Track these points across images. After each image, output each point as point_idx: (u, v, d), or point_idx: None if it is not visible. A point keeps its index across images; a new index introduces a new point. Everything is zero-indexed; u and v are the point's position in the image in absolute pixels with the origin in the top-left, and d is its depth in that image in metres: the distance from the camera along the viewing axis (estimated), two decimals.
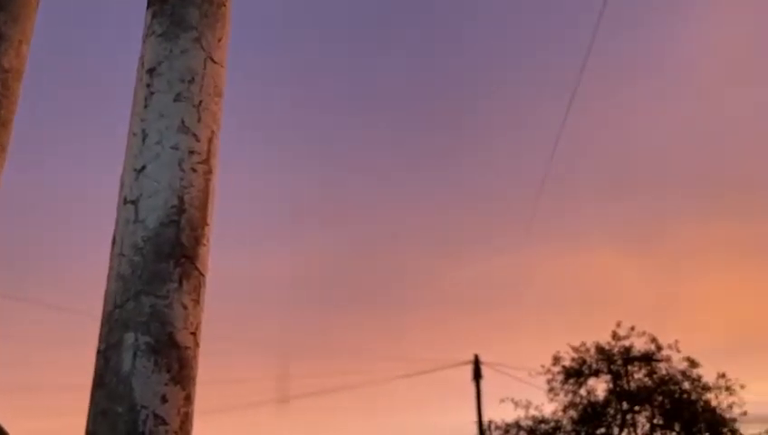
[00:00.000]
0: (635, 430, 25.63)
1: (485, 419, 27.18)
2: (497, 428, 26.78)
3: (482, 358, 28.22)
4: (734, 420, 24.51)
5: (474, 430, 27.39)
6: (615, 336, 25.95)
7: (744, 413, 24.51)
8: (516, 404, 26.27)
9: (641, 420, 25.62)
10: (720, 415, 24.60)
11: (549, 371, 26.41)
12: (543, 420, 26.14)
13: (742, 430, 24.59)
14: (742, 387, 24.67)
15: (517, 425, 26.35)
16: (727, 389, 24.76)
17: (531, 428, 26.19)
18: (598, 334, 26.65)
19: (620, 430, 25.60)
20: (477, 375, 27.80)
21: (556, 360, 26.43)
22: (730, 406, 24.66)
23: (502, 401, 26.45)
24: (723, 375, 24.89)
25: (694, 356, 25.44)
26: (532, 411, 26.25)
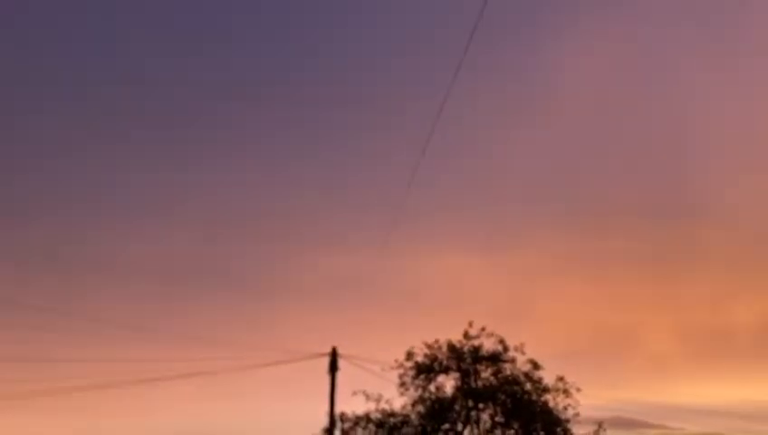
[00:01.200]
0: (478, 427, 26.59)
1: (338, 411, 27.53)
2: (347, 420, 27.13)
3: (340, 351, 28.53)
4: (568, 420, 25.89)
5: (326, 421, 27.64)
6: (466, 336, 26.85)
7: (577, 414, 25.95)
8: (368, 397, 26.74)
9: (485, 417, 26.61)
10: (556, 416, 25.89)
11: (402, 366, 27.03)
12: (392, 414, 26.70)
13: (574, 430, 26.01)
14: (578, 390, 26.13)
15: (367, 418, 26.79)
16: (564, 391, 26.12)
17: (380, 421, 26.67)
18: (451, 333, 27.52)
19: (464, 427, 26.50)
20: (333, 367, 28.06)
21: (409, 355, 27.07)
22: (565, 407, 26.04)
23: (354, 393, 26.86)
24: (561, 378, 26.25)
25: (537, 359, 26.74)
26: (383, 405, 26.81)
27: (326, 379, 27.94)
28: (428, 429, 26.52)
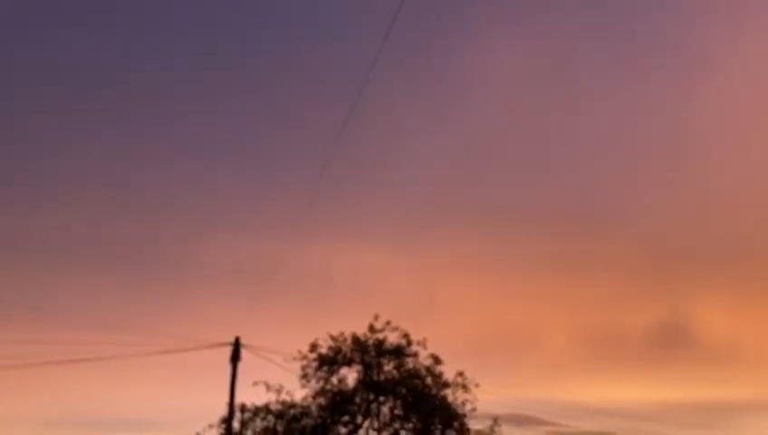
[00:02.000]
0: (378, 420, 26.83)
1: (240, 401, 27.13)
2: (247, 410, 26.79)
3: (243, 341, 28.08)
4: (465, 415, 26.48)
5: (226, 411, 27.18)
6: (371, 329, 26.97)
7: (474, 409, 26.59)
8: (269, 388, 26.49)
9: (384, 410, 26.87)
10: (454, 410, 26.44)
11: (305, 357, 26.91)
12: (292, 405, 26.56)
13: (470, 425, 26.63)
14: (476, 386, 26.73)
15: (266, 408, 26.54)
16: (463, 386, 26.69)
17: (279, 412, 26.49)
18: (358, 326, 27.60)
19: (364, 419, 26.68)
20: (236, 357, 27.57)
21: (313, 347, 26.98)
22: (463, 402, 26.62)
23: (255, 383, 26.54)
24: (461, 374, 26.80)
25: (440, 354, 27.22)
26: (284, 396, 26.63)
27: (228, 368, 27.48)
28: (328, 421, 26.55)
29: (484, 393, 27.33)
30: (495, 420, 26.65)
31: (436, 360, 26.88)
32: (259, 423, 26.58)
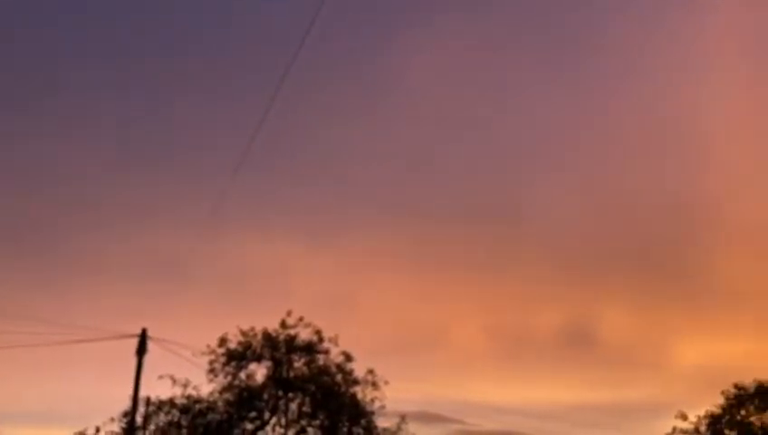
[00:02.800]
0: (286, 417, 26.71)
1: (145, 394, 26.47)
2: (151, 404, 26.18)
3: (151, 333, 27.38)
4: (373, 413, 26.68)
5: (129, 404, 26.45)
6: (283, 324, 26.81)
7: (383, 407, 26.81)
8: (175, 382, 25.95)
9: (293, 407, 26.77)
10: (362, 408, 26.59)
11: (213, 352, 26.48)
12: (198, 400, 26.10)
13: (378, 423, 26.85)
14: (385, 383, 26.94)
15: (171, 403, 25.99)
16: (373, 384, 26.87)
17: (184, 406, 25.99)
18: (270, 322, 27.35)
19: (271, 416, 26.51)
20: (142, 349, 26.86)
21: (222, 341, 26.58)
22: (372, 400, 26.80)
23: (160, 377, 25.94)
24: (371, 371, 26.97)
25: (354, 352, 27.33)
26: (190, 391, 26.13)
27: (134, 361, 26.76)
28: (234, 416, 26.24)
29: (393, 391, 27.63)
30: (403, 417, 26.96)
31: (348, 357, 26.97)
32: (163, 418, 26.02)
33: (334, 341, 26.89)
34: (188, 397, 26.03)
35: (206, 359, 26.40)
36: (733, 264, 43.57)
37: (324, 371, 26.79)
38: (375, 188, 44.25)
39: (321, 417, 26.38)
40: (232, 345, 26.57)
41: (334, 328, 27.46)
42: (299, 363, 26.95)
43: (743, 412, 30.54)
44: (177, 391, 26.06)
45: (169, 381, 25.91)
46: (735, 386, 30.62)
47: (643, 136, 44.40)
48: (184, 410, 25.92)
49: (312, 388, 26.61)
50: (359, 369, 27.04)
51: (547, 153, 45.74)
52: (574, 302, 45.00)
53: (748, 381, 30.54)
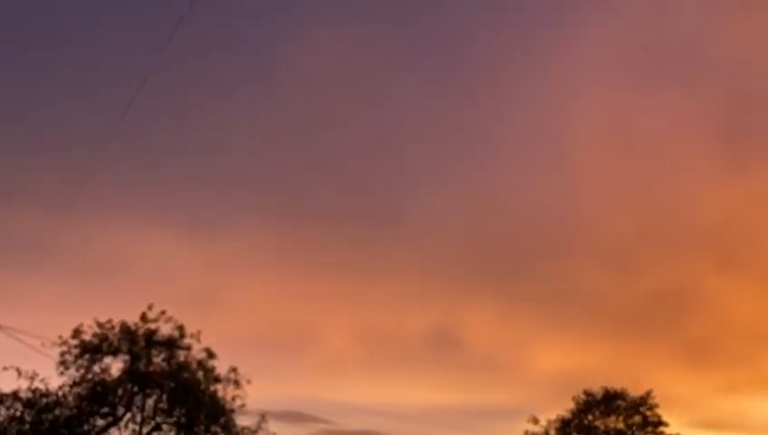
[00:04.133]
0: (142, 413, 25.76)
1: None
2: None
3: None
4: (233, 411, 26.21)
5: None
6: (144, 318, 25.82)
7: (243, 405, 26.39)
8: (20, 374, 24.37)
9: (150, 403, 25.86)
10: (222, 405, 26.05)
11: (66, 343, 25.13)
12: (46, 394, 24.66)
13: (239, 421, 26.40)
14: (248, 382, 26.53)
15: (14, 396, 24.39)
16: (235, 382, 26.39)
17: (30, 400, 24.46)
18: (132, 314, 26.26)
19: (125, 412, 25.49)
20: None
21: (77, 333, 25.27)
22: (234, 398, 26.31)
23: (5, 368, 24.29)
24: (234, 369, 26.47)
25: (222, 349, 26.78)
26: (37, 383, 24.64)
27: None
28: (85, 411, 25.01)
29: (260, 390, 27.30)
30: (263, 416, 26.63)
31: (210, 354, 26.34)
32: (4, 412, 24.34)
33: (197, 337, 26.20)
34: (35, 390, 24.51)
35: (58, 350, 25.03)
36: (594, 277, 46.21)
37: (184, 367, 26.03)
38: (252, 181, 43.68)
39: (178, 414, 25.63)
40: (87, 337, 25.30)
41: (200, 324, 26.76)
42: (158, 359, 26.04)
43: (590, 417, 32.47)
44: (23, 384, 24.48)
45: (14, 373, 24.32)
46: (585, 392, 32.54)
47: (519, 148, 46.23)
48: (28, 404, 24.38)
49: (171, 384, 25.79)
50: (222, 366, 26.51)
51: (425, 159, 46.70)
52: (443, 306, 46.17)
53: (597, 387, 32.57)
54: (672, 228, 45.53)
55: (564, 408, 32.43)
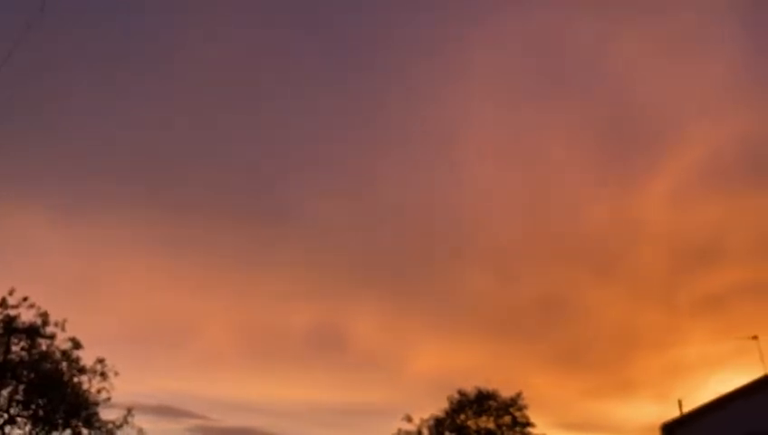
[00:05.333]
0: None
1: None
2: None
3: None
4: (98, 403, 25.05)
5: None
6: (3, 303, 24.27)
7: (109, 399, 25.28)
8: None
9: (4, 394, 24.29)
10: (85, 398, 24.85)
11: None
12: None
13: (105, 415, 25.24)
14: (116, 374, 25.45)
15: None
16: (102, 374, 25.25)
17: None
18: None
19: None
20: None
21: None
22: (99, 391, 25.16)
23: None
24: (101, 361, 25.34)
25: (88, 338, 25.55)
26: None
27: None
28: None
29: (133, 384, 26.33)
30: (129, 410, 25.59)
31: (76, 344, 25.06)
32: None
33: (62, 325, 24.85)
34: None
35: None
36: (476, 281, 47.42)
37: (46, 357, 24.65)
38: (136, 166, 42.03)
39: (35, 406, 24.21)
40: None
41: (71, 313, 25.44)
42: (17, 347, 24.53)
43: (462, 416, 33.29)
44: None
45: None
46: (459, 392, 33.34)
47: (410, 151, 46.80)
48: None
49: (31, 375, 24.35)
50: (90, 358, 25.29)
51: (314, 157, 46.45)
52: (326, 304, 46.03)
53: (471, 388, 33.44)
54: (553, 238, 47.42)
55: (439, 407, 33.14)
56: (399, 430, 32.10)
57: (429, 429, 32.36)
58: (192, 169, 44.35)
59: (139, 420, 26.12)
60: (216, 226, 44.21)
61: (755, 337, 27.14)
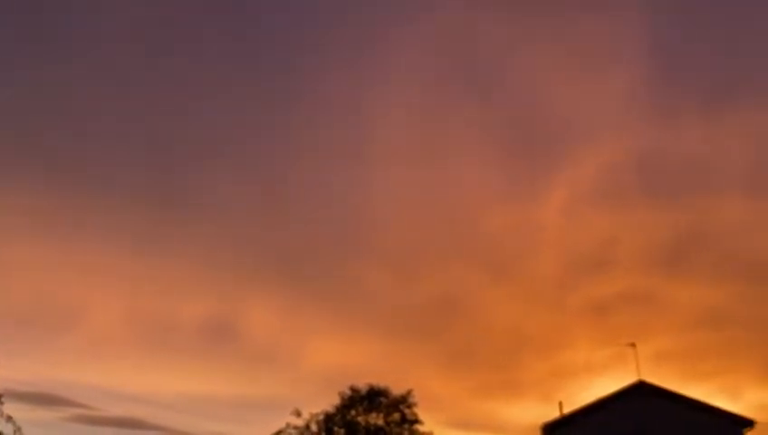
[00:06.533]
0: None
1: None
2: None
3: None
4: None
5: None
6: None
7: None
8: None
9: None
10: None
11: None
12: None
13: None
14: None
15: None
16: None
17: None
18: None
19: None
20: None
21: None
22: None
23: None
24: None
25: None
26: None
27: None
28: None
29: (7, 370, 24.81)
30: None
31: None
32: None
33: None
34: None
35: None
36: (376, 278, 47.62)
37: None
38: (40, 138, 39.72)
39: None
40: None
41: None
42: None
43: (353, 412, 33.35)
44: None
45: None
46: (351, 388, 33.39)
47: (317, 146, 46.40)
48: None
49: None
50: None
51: (229, 146, 45.35)
52: (223, 294, 45.03)
53: (363, 384, 33.56)
54: (453, 239, 48.21)
55: (332, 403, 33.07)
56: (288, 425, 31.82)
57: (318, 424, 32.22)
58: (89, 146, 42.34)
59: (10, 409, 24.59)
60: (107, 206, 42.33)
61: (633, 344, 28.66)
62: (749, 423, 25.68)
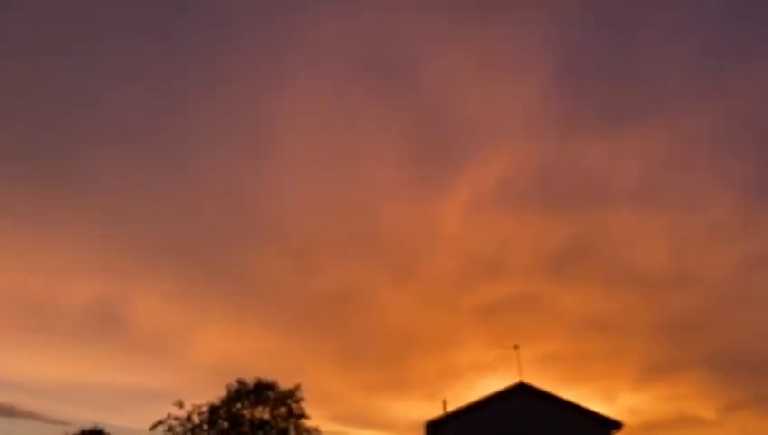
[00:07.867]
0: None
1: None
2: None
3: None
4: None
5: None
6: None
7: None
8: None
9: None
10: None
11: None
12: None
13: None
14: None
15: None
16: None
17: None
18: None
19: None
20: None
21: None
22: None
23: None
24: None
25: None
26: None
27: None
28: None
29: None
30: None
31: None
32: None
33: None
34: None
35: None
36: (273, 271, 47.06)
37: None
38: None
39: None
40: None
41: None
42: None
43: (239, 405, 32.79)
44: None
45: None
46: (238, 381, 32.83)
47: (222, 133, 45.37)
48: None
49: None
50: None
51: (127, 129, 43.57)
52: (109, 282, 43.23)
53: (251, 377, 33.07)
54: (356, 235, 48.31)
55: (218, 395, 32.40)
56: (169, 415, 30.92)
57: (201, 416, 31.48)
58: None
59: None
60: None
61: (516, 347, 29.62)
62: (617, 425, 27.07)
